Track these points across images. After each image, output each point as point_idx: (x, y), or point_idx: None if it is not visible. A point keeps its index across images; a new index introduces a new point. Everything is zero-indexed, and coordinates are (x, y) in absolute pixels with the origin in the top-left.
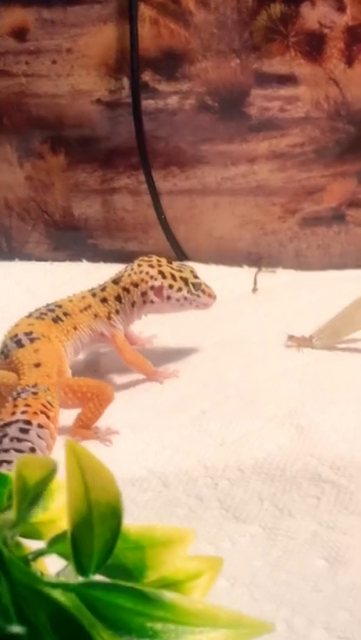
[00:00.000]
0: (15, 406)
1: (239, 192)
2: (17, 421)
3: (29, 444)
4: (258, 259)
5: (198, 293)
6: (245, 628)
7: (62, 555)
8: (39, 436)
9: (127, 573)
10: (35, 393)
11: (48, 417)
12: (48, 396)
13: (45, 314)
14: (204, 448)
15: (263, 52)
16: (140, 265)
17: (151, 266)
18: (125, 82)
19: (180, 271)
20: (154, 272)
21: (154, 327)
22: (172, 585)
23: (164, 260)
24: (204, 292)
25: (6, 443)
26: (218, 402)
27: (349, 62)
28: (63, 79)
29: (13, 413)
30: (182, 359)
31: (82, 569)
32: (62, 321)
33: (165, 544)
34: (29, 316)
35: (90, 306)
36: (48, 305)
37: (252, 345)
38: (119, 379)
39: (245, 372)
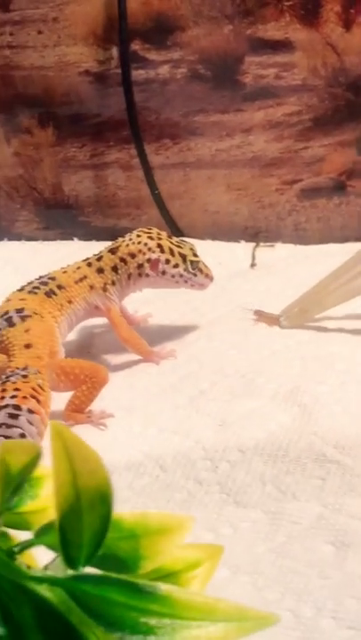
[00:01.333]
0: (4, 390)
1: (235, 164)
2: (6, 406)
3: (19, 430)
4: (255, 233)
5: (195, 272)
6: (248, 620)
7: (51, 546)
8: (29, 422)
9: (121, 564)
10: (25, 376)
11: (39, 401)
12: (39, 380)
13: (38, 287)
14: (203, 429)
15: (257, 18)
16: (139, 235)
17: (150, 237)
18: (115, 51)
19: (179, 247)
20: (152, 244)
21: (149, 306)
22: (169, 576)
23: (164, 234)
24: (201, 271)
25: None
26: (216, 381)
27: (347, 26)
28: (50, 50)
29: (2, 398)
30: (179, 338)
31: (71, 561)
32: (56, 295)
33: (161, 532)
34: (21, 289)
35: (85, 277)
36: (41, 277)
37: (251, 322)
38: (114, 359)
39: (244, 350)
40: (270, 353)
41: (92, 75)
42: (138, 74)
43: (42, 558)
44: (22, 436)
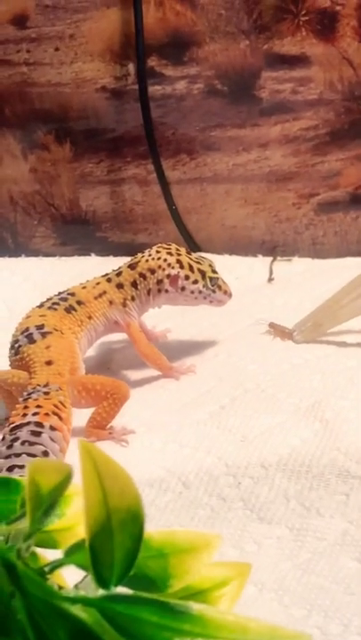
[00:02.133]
0: (26, 407)
1: (251, 179)
2: (28, 423)
3: (42, 448)
4: (273, 247)
5: (214, 289)
6: (280, 639)
7: (80, 565)
8: (52, 439)
9: (150, 584)
10: (46, 393)
11: (60, 418)
12: (60, 396)
13: (58, 303)
14: (225, 445)
15: (273, 33)
16: (158, 251)
17: (170, 253)
18: (131, 68)
19: (198, 263)
20: (172, 260)
21: (168, 321)
22: (198, 594)
23: (183, 250)
24: (220, 287)
25: (17, 446)
26: (237, 396)
27: None
28: (66, 67)
29: (24, 415)
30: (198, 353)
31: (102, 581)
32: (76, 310)
33: (189, 550)
34: (41, 306)
35: (105, 292)
36: (60, 293)
37: (268, 336)
38: (133, 375)
39: (264, 365)
40: (290, 367)
41: (108, 91)
42: (154, 89)
43: (68, 578)
44: (45, 453)
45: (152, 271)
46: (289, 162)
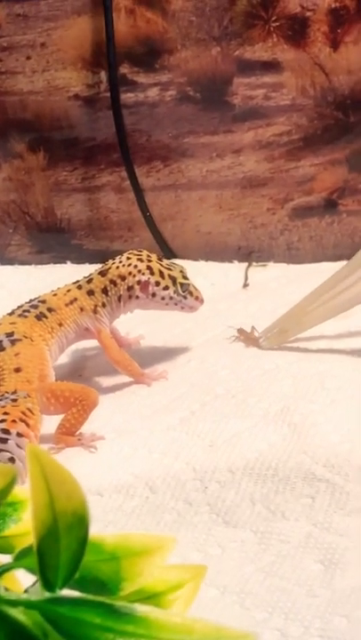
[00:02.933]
0: None
1: (226, 185)
2: None
3: (8, 454)
4: (248, 253)
5: (185, 295)
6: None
7: (30, 569)
8: (18, 446)
9: (101, 587)
10: (14, 400)
11: (28, 425)
12: (28, 403)
13: (28, 311)
14: (193, 450)
15: (244, 39)
16: (128, 258)
17: (140, 260)
18: (103, 75)
19: (169, 269)
20: (142, 266)
21: (141, 327)
22: (151, 597)
23: (154, 256)
24: (191, 293)
25: None
26: (207, 402)
27: (334, 46)
28: (38, 75)
29: None
30: (171, 359)
31: (48, 584)
32: (46, 317)
33: (142, 553)
34: (12, 313)
35: (75, 299)
36: (31, 300)
37: (233, 340)
38: (105, 382)
39: (236, 370)
40: (261, 373)
41: (81, 99)
42: (127, 97)
43: (27, 582)
44: (11, 459)
45: (122, 278)
46: (263, 167)
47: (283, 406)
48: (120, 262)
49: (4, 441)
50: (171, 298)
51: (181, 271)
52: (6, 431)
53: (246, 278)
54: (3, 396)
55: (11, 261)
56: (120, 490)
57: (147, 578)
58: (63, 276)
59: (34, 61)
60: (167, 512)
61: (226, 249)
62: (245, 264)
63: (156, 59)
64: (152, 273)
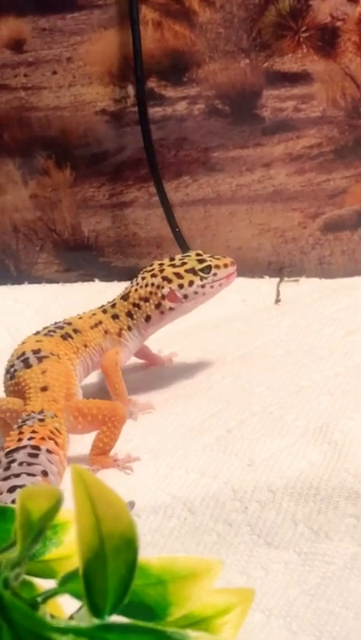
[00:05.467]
0: (21, 433)
1: (256, 199)
2: (25, 447)
3: (41, 467)
4: (279, 268)
5: (214, 273)
6: None
7: (75, 595)
8: (49, 461)
9: (149, 612)
10: (41, 420)
11: (57, 443)
12: (55, 423)
13: (54, 331)
14: (231, 469)
15: (273, 50)
16: (143, 278)
17: (154, 275)
18: (130, 90)
19: (183, 264)
20: (158, 281)
21: (174, 345)
22: (199, 622)
23: (166, 262)
24: (218, 267)
25: (15, 468)
26: (244, 420)
27: None
28: (65, 90)
29: (20, 440)
30: (205, 376)
31: (96, 610)
32: (72, 338)
33: (190, 577)
34: (37, 333)
35: (100, 322)
36: (57, 323)
37: (278, 358)
38: (137, 400)
39: (271, 387)
40: (298, 389)
41: (108, 114)
42: (155, 111)
43: (70, 607)
44: (44, 473)
45: (145, 299)
46: (293, 181)
47: (322, 423)
48: (137, 284)
49: (35, 456)
50: (203, 287)
51: (197, 254)
52: (36, 447)
53: (278, 294)
54: (29, 415)
55: (38, 280)
56: (158, 511)
57: (195, 602)
58: (91, 293)
59: (60, 76)
60: (207, 533)
61: (257, 264)
62: (277, 279)
63: (183, 72)
64: (170, 281)
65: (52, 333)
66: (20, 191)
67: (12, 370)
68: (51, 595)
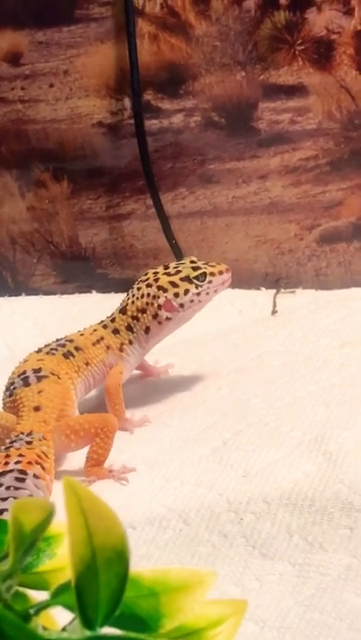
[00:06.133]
0: (8, 456)
1: (252, 211)
2: (11, 471)
3: (27, 492)
4: (276, 280)
5: (208, 280)
6: None
7: (68, 606)
8: (36, 486)
9: (141, 624)
10: (29, 442)
11: (43, 468)
12: (43, 446)
13: (56, 349)
14: (227, 481)
15: (269, 63)
16: (139, 288)
17: (149, 285)
18: (127, 102)
19: (177, 272)
20: (153, 291)
21: (170, 356)
22: (192, 634)
23: (160, 270)
24: (212, 274)
25: (2, 492)
26: (239, 431)
27: None
28: (62, 103)
29: (6, 463)
30: (201, 388)
31: (88, 621)
32: (74, 356)
33: (182, 589)
34: (39, 351)
35: (102, 338)
36: (59, 340)
37: (274, 369)
38: (135, 413)
39: (267, 398)
40: (293, 400)
41: (105, 126)
42: (151, 124)
43: (63, 619)
44: (31, 497)
45: (142, 310)
46: (290, 193)
47: (317, 434)
48: (133, 296)
49: (22, 480)
50: (198, 294)
51: (191, 262)
52: (23, 472)
53: (275, 305)
54: (18, 436)
55: (35, 291)
56: (153, 522)
57: (187, 614)
58: (89, 305)
59: (57, 89)
60: (202, 544)
61: (253, 276)
62: (273, 291)
63: (180, 85)
64: (165, 290)
65: (53, 352)
66: (18, 203)
67: (11, 387)
68: (43, 606)
